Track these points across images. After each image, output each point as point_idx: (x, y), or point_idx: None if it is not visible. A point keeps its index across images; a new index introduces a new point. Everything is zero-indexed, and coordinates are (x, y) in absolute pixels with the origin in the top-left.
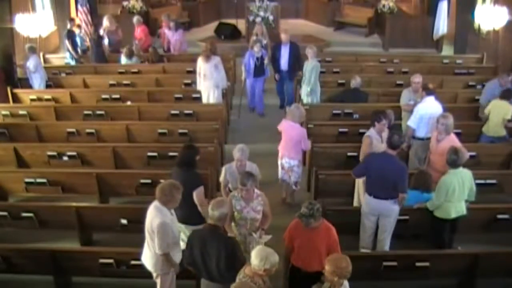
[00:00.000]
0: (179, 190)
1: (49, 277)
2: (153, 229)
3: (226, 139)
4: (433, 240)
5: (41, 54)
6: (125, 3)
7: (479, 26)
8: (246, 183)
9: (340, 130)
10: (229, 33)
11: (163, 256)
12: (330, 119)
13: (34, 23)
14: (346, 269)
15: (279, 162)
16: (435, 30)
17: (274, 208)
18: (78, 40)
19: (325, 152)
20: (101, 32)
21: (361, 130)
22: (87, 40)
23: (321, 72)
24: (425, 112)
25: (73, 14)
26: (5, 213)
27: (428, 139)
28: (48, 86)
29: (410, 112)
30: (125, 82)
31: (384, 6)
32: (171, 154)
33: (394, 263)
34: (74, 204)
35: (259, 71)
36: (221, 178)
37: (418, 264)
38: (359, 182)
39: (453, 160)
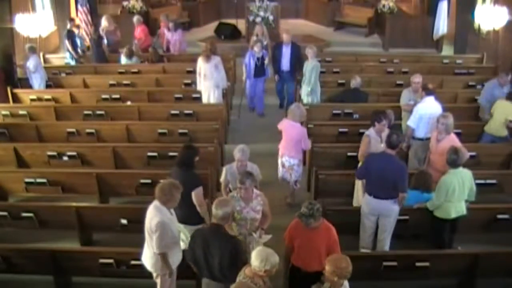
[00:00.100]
0: (178, 189)
1: (49, 277)
2: (152, 228)
3: (226, 139)
4: (433, 240)
5: (41, 54)
6: (125, 3)
7: (479, 26)
8: (245, 181)
9: (340, 130)
10: (229, 33)
11: (160, 256)
12: (330, 119)
13: (34, 23)
14: (346, 269)
15: (279, 161)
16: (435, 30)
17: (274, 208)
18: (77, 40)
19: (325, 152)
20: (100, 32)
21: (361, 130)
22: (87, 40)
23: (321, 72)
24: (425, 112)
25: (73, 14)
26: (5, 213)
27: (428, 139)
28: (48, 86)
29: (410, 112)
30: (125, 82)
31: (384, 6)
32: (171, 154)
33: (394, 263)
34: (74, 204)
35: (259, 71)
36: (222, 178)
37: (418, 264)
38: (358, 182)
39: (453, 160)
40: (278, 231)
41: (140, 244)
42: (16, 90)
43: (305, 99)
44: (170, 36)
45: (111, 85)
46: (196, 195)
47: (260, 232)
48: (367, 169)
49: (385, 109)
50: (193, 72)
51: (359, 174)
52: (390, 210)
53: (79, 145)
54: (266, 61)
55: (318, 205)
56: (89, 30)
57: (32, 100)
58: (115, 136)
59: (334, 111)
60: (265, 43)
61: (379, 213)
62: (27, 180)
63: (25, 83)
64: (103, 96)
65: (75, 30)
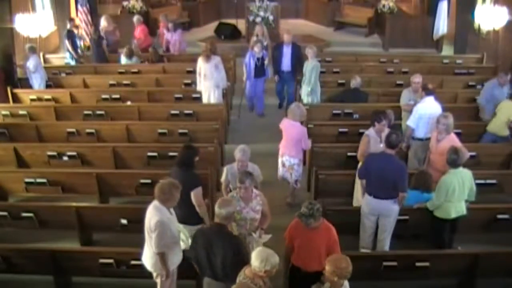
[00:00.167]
0: (178, 189)
1: (49, 277)
2: (151, 227)
3: (226, 139)
4: (433, 240)
5: (41, 54)
6: (125, 3)
7: (479, 26)
8: (245, 180)
9: (340, 130)
10: (229, 33)
11: (159, 256)
12: (330, 119)
13: (34, 23)
14: (346, 269)
15: (279, 160)
16: (435, 30)
17: (274, 208)
18: (77, 40)
19: (325, 152)
20: (100, 32)
21: (361, 130)
22: (87, 40)
23: (321, 72)
24: (425, 112)
25: (73, 14)
26: (5, 213)
27: (428, 139)
28: (48, 86)
29: (410, 112)
30: (125, 82)
31: (384, 6)
32: (171, 154)
33: (394, 263)
34: (74, 204)
35: (259, 71)
36: (222, 179)
37: (418, 264)
38: (358, 183)
39: (453, 160)
40: (278, 231)
41: (140, 244)
42: (16, 90)
43: (305, 99)
44: (170, 37)
45: (111, 85)
46: (195, 195)
47: (259, 232)
48: (367, 169)
49: (385, 109)
50: (193, 72)
51: (361, 174)
52: (390, 210)
53: (79, 145)
54: (266, 62)
55: (318, 205)
56: (89, 30)
57: (32, 100)
58: (115, 136)
59: (334, 111)
60: (265, 43)
61: (379, 213)
62: (27, 180)
63: (25, 83)
64: (103, 96)
65: (74, 30)
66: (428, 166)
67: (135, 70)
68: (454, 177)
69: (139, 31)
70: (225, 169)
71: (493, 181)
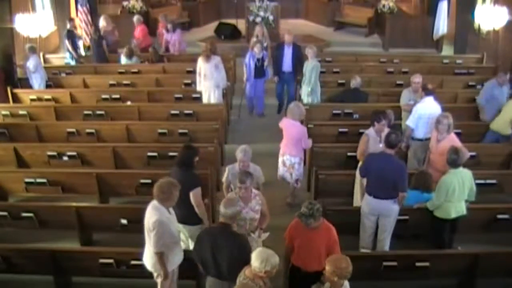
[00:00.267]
0: (177, 187)
1: (49, 277)
2: (149, 227)
3: (226, 139)
4: (433, 240)
5: (41, 54)
6: (125, 3)
7: (479, 26)
8: (245, 180)
9: (340, 130)
10: (229, 33)
11: (157, 255)
12: (330, 119)
13: (34, 23)
14: (346, 269)
15: (280, 160)
16: (435, 30)
17: (274, 208)
18: (77, 40)
19: (325, 152)
20: (101, 32)
21: (361, 130)
22: (87, 39)
23: (321, 72)
24: (424, 112)
25: (73, 14)
26: (5, 213)
27: (427, 140)
28: (48, 86)
29: (410, 112)
30: (125, 82)
31: (384, 6)
32: (171, 154)
33: (394, 263)
34: (74, 204)
35: (259, 72)
36: (224, 179)
37: (418, 264)
38: (357, 183)
39: (453, 160)
40: (278, 231)
41: (140, 244)
42: (16, 90)
43: (305, 99)
44: (169, 37)
45: (111, 85)
46: (194, 195)
47: (259, 232)
48: (367, 169)
49: (385, 109)
50: (193, 72)
51: (362, 172)
52: (390, 210)
53: (79, 145)
54: (266, 62)
55: (318, 205)
56: (89, 30)
57: (32, 100)
58: (115, 136)
59: (334, 111)
60: (265, 44)
61: (379, 213)
62: (27, 180)
63: (25, 83)
64: (103, 96)
65: (74, 30)
66: (428, 166)
67: (135, 70)
68: (454, 177)
69: (139, 31)
70: (226, 169)
71: (493, 181)
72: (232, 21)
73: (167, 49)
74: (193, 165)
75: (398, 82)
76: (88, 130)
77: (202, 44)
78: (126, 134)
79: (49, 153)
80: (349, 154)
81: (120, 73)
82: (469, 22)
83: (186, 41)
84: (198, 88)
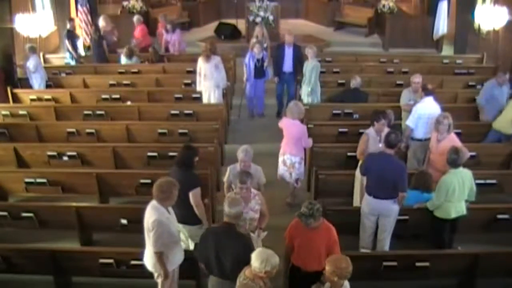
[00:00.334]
0: (176, 186)
1: (49, 277)
2: (148, 227)
3: (226, 139)
4: (433, 240)
5: (41, 54)
6: (125, 3)
7: (479, 26)
8: (246, 180)
9: (340, 130)
10: (229, 33)
11: (156, 255)
12: (330, 119)
13: (34, 23)
14: (346, 269)
15: (280, 159)
16: (435, 30)
17: (274, 208)
18: (76, 40)
19: (325, 152)
20: (101, 32)
21: (361, 130)
22: (87, 40)
23: (321, 72)
24: (424, 112)
25: (73, 14)
26: (5, 213)
27: (426, 140)
28: (48, 86)
29: (410, 112)
30: (125, 82)
31: (384, 6)
32: (171, 154)
33: (394, 263)
34: (74, 204)
35: (259, 72)
36: (225, 179)
37: (418, 264)
38: (357, 184)
39: (453, 160)
40: (278, 231)
41: (140, 244)
42: (16, 90)
43: (305, 99)
44: (169, 37)
45: (111, 85)
46: (194, 196)
47: (258, 232)
48: (367, 169)
49: (385, 109)
50: (193, 72)
51: (362, 171)
52: (390, 210)
53: (79, 145)
54: (266, 63)
55: (318, 205)
56: (89, 30)
57: (32, 100)
58: (115, 136)
59: (334, 111)
60: (265, 45)
61: (379, 213)
62: (27, 180)
63: (25, 83)
64: (103, 96)
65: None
66: (428, 166)
67: (135, 70)
68: (454, 177)
69: (138, 31)
70: (228, 169)
71: (493, 181)
72: (232, 21)
73: (166, 49)
74: (193, 165)
75: (398, 82)
76: (88, 130)
77: (202, 44)
78: (126, 134)
79: (49, 153)
80: (349, 154)
81: (120, 73)
82: (469, 22)
83: (186, 41)
84: (198, 88)
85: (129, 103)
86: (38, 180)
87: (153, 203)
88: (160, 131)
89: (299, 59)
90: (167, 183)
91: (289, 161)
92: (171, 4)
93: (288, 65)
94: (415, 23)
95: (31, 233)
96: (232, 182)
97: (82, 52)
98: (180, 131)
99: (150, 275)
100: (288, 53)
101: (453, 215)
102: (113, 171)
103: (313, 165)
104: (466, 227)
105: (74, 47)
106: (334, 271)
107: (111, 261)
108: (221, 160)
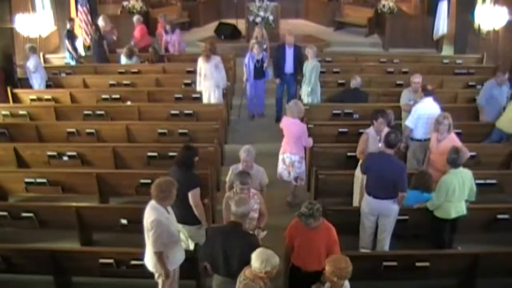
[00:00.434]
0: (175, 186)
1: (49, 277)
2: (147, 227)
3: (226, 139)
4: (433, 240)
5: (41, 54)
6: (125, 3)
7: (479, 26)
8: (247, 181)
9: (340, 130)
10: (229, 33)
11: (156, 255)
12: (330, 119)
13: (34, 23)
14: (346, 269)
15: (280, 157)
16: (435, 30)
17: (274, 207)
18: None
19: (325, 152)
20: (101, 32)
21: (361, 130)
22: (87, 40)
23: (321, 72)
24: (423, 112)
25: (73, 14)
26: (5, 213)
27: (426, 140)
28: (48, 86)
29: (410, 112)
30: (125, 82)
31: (384, 6)
32: (171, 154)
33: (394, 263)
34: (74, 204)
35: (259, 73)
36: (227, 178)
37: (418, 264)
38: (357, 184)
39: (453, 159)
40: (278, 231)
41: (140, 244)
42: (16, 90)
43: (305, 99)
44: (169, 38)
45: (111, 85)
46: (193, 196)
47: (257, 231)
48: (367, 169)
49: (385, 109)
50: (193, 72)
51: (362, 169)
52: (390, 210)
53: (79, 145)
54: (265, 64)
55: (318, 205)
56: (89, 30)
57: (32, 100)
58: (115, 136)
59: (334, 111)
60: (264, 46)
61: (378, 213)
62: (27, 180)
63: (25, 83)
64: (103, 96)
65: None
66: (428, 166)
67: (135, 70)
68: (454, 177)
69: (137, 31)
70: (230, 169)
71: (493, 181)
72: (232, 21)
73: (166, 49)
74: (193, 166)
75: (398, 82)
76: (88, 130)
77: (202, 44)
78: (126, 134)
79: (49, 153)
80: (349, 154)
81: (120, 73)
82: (469, 22)
83: (186, 41)
84: (198, 88)
85: (129, 103)
86: (38, 180)
87: (152, 203)
88: (160, 131)
89: (299, 60)
90: (166, 183)
91: (289, 160)
92: (171, 4)
93: (289, 66)
94: (415, 23)
95: (31, 233)
96: (234, 182)
97: (82, 52)
98: (180, 131)
99: (150, 275)
100: (289, 54)
101: (453, 215)
102: (113, 171)
103: (313, 165)
104: (466, 227)
105: (74, 47)
106: (333, 271)
107: (111, 261)
108: (221, 160)
